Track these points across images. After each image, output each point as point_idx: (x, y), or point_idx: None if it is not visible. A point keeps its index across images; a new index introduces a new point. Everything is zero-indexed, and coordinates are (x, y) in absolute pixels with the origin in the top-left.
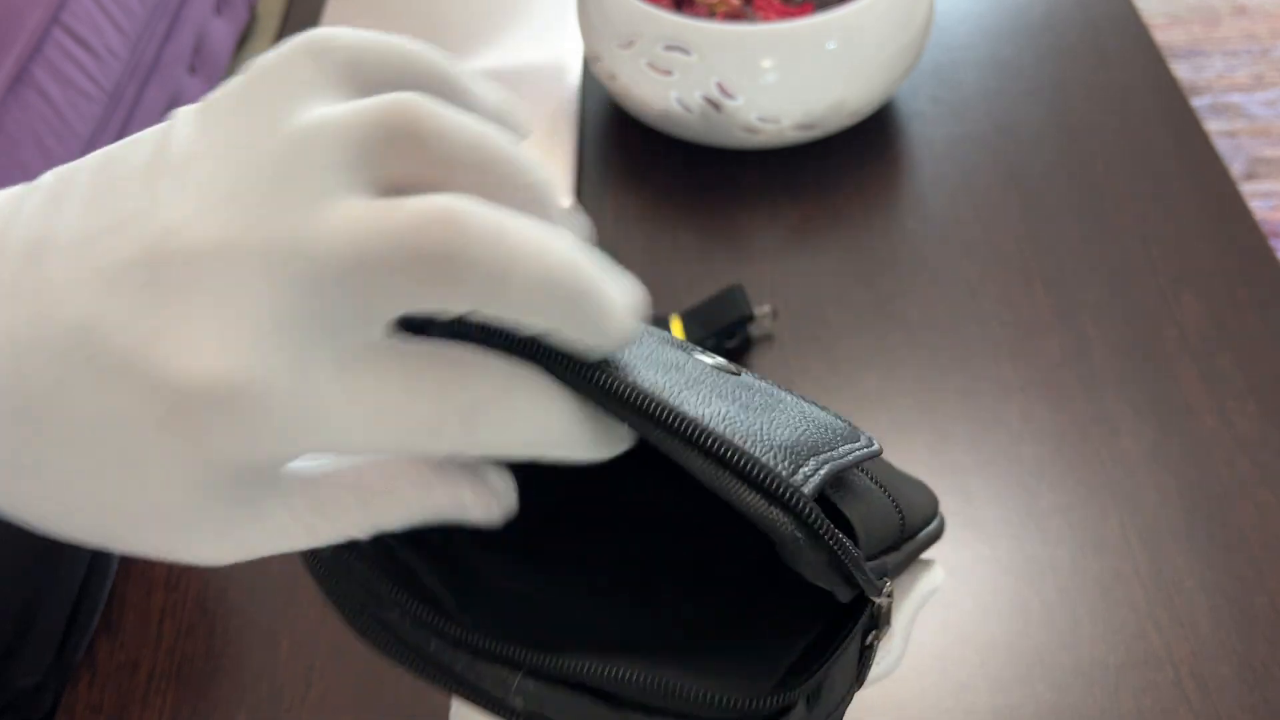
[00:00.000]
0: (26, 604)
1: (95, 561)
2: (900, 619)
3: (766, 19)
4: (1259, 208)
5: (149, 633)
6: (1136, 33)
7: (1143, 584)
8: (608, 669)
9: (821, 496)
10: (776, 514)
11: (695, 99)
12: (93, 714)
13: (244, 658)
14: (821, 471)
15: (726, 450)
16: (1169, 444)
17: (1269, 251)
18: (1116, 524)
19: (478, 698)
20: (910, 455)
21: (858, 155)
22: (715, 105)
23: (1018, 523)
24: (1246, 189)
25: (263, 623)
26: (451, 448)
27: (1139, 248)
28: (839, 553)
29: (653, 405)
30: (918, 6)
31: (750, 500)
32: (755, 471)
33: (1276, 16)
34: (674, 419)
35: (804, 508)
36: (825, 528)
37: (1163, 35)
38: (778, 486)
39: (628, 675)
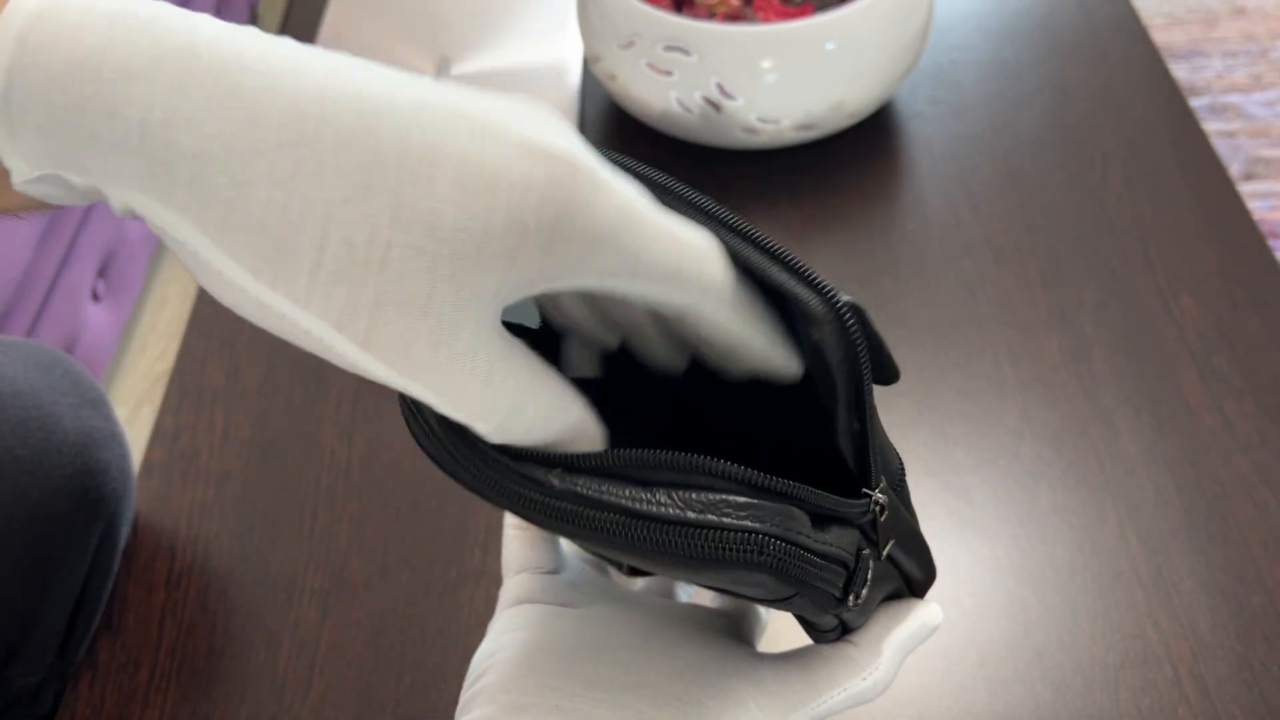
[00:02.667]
0: (28, 603)
1: (96, 561)
2: (889, 644)
3: (766, 19)
4: (1257, 208)
5: (150, 632)
6: (1135, 33)
7: (1141, 583)
8: (638, 452)
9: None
10: (816, 301)
11: (695, 99)
12: (93, 713)
13: (244, 658)
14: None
15: (789, 256)
16: (1168, 444)
17: (1267, 252)
18: (1115, 524)
19: (516, 484)
20: (910, 455)
21: (857, 156)
22: (715, 106)
23: (1017, 522)
24: (1245, 189)
25: (263, 623)
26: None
27: (1138, 248)
28: (856, 342)
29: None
30: (917, 7)
31: (801, 290)
32: (808, 272)
33: (1275, 17)
34: (752, 230)
35: (837, 301)
36: (854, 324)
37: (1161, 36)
38: (823, 286)
39: (658, 457)
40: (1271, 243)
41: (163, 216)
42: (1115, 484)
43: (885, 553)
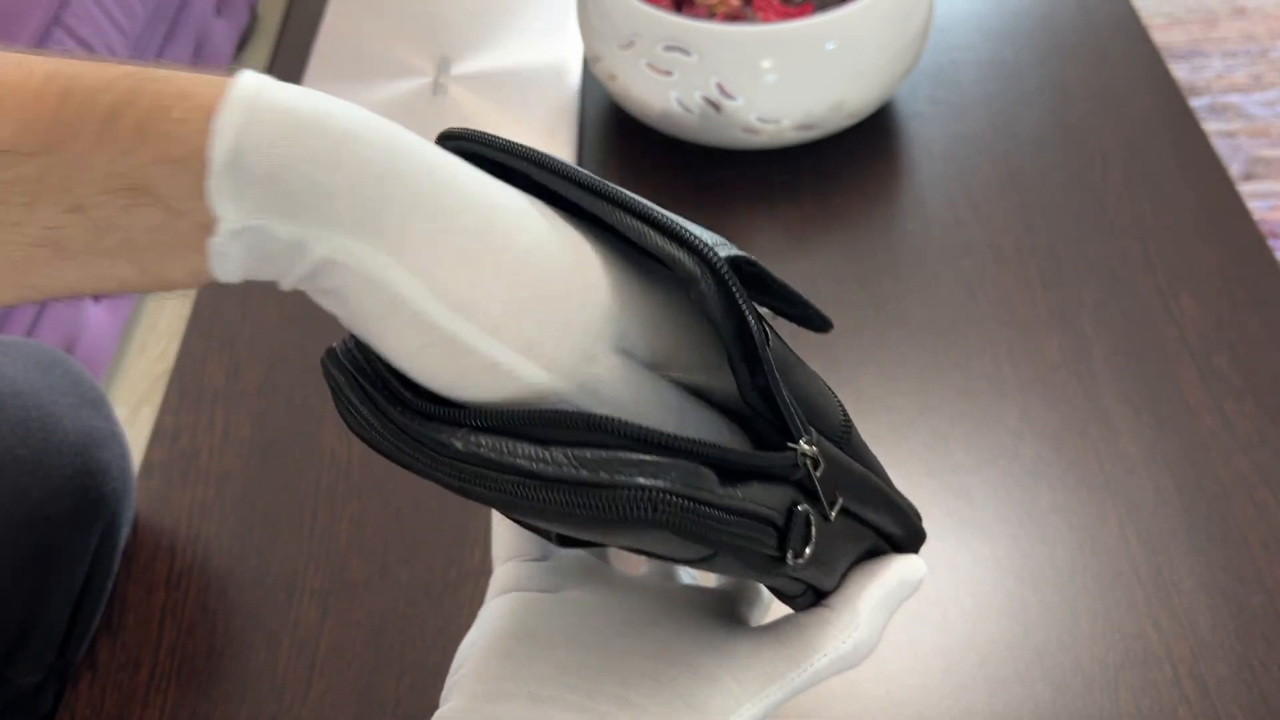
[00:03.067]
0: (28, 603)
1: (96, 561)
2: (865, 602)
3: (766, 19)
4: (1257, 208)
5: (150, 633)
6: (1135, 33)
7: (1141, 583)
8: (537, 411)
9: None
10: (685, 257)
11: (695, 99)
12: (93, 713)
13: (244, 658)
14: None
15: (666, 219)
16: (1168, 443)
17: (1267, 252)
18: (1115, 523)
19: (427, 448)
20: (909, 455)
21: (857, 156)
22: (715, 106)
23: (1017, 522)
24: (1245, 189)
25: (263, 623)
26: None
27: (1138, 248)
28: (734, 294)
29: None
30: (917, 7)
31: (673, 251)
32: (683, 232)
33: (1275, 17)
34: (618, 193)
35: (712, 256)
36: (730, 276)
37: (1161, 36)
38: (695, 244)
39: (558, 416)
40: (1271, 243)
41: (369, 261)
42: (1115, 484)
43: (836, 509)
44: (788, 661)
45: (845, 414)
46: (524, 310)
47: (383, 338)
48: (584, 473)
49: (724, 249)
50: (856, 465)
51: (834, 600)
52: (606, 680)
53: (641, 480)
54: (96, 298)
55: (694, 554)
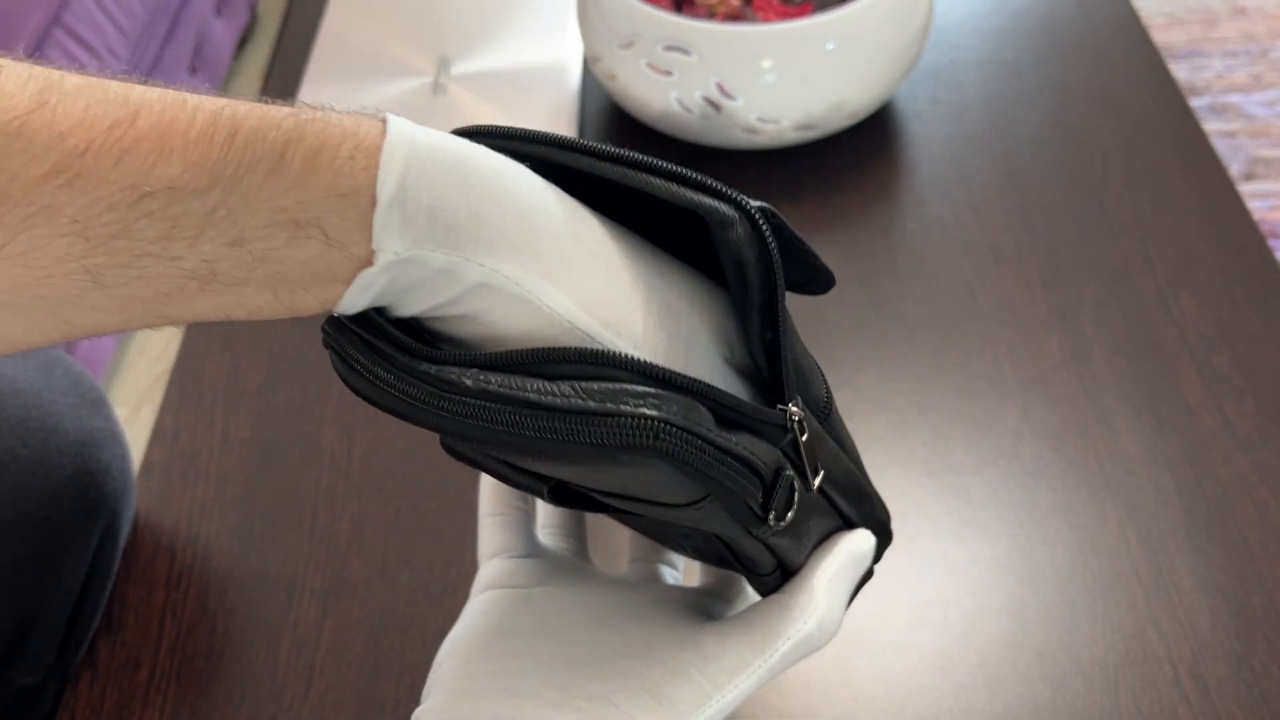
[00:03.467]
0: (27, 603)
1: (96, 561)
2: (819, 579)
3: (766, 19)
4: (1257, 208)
5: (149, 633)
6: (1135, 33)
7: (1141, 583)
8: (547, 349)
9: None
10: (725, 208)
11: (695, 99)
12: (93, 714)
13: (244, 658)
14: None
15: (694, 175)
16: (1168, 444)
17: (1267, 252)
18: (1115, 524)
19: (440, 391)
20: (909, 455)
21: (857, 156)
22: (715, 106)
23: (1017, 522)
24: (1245, 189)
25: (263, 623)
26: None
27: (1138, 248)
28: (768, 240)
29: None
30: (917, 7)
31: (708, 200)
32: (715, 185)
33: (1275, 17)
34: (653, 161)
35: (745, 202)
36: (764, 220)
37: (1161, 36)
38: (730, 193)
39: (564, 353)
40: (1271, 243)
41: (526, 283)
42: (1115, 484)
43: (818, 480)
44: (754, 650)
45: (829, 390)
46: (618, 298)
47: (506, 343)
48: (590, 403)
49: (754, 200)
50: (832, 443)
51: (790, 585)
52: (579, 675)
53: (645, 410)
54: None
55: (686, 495)
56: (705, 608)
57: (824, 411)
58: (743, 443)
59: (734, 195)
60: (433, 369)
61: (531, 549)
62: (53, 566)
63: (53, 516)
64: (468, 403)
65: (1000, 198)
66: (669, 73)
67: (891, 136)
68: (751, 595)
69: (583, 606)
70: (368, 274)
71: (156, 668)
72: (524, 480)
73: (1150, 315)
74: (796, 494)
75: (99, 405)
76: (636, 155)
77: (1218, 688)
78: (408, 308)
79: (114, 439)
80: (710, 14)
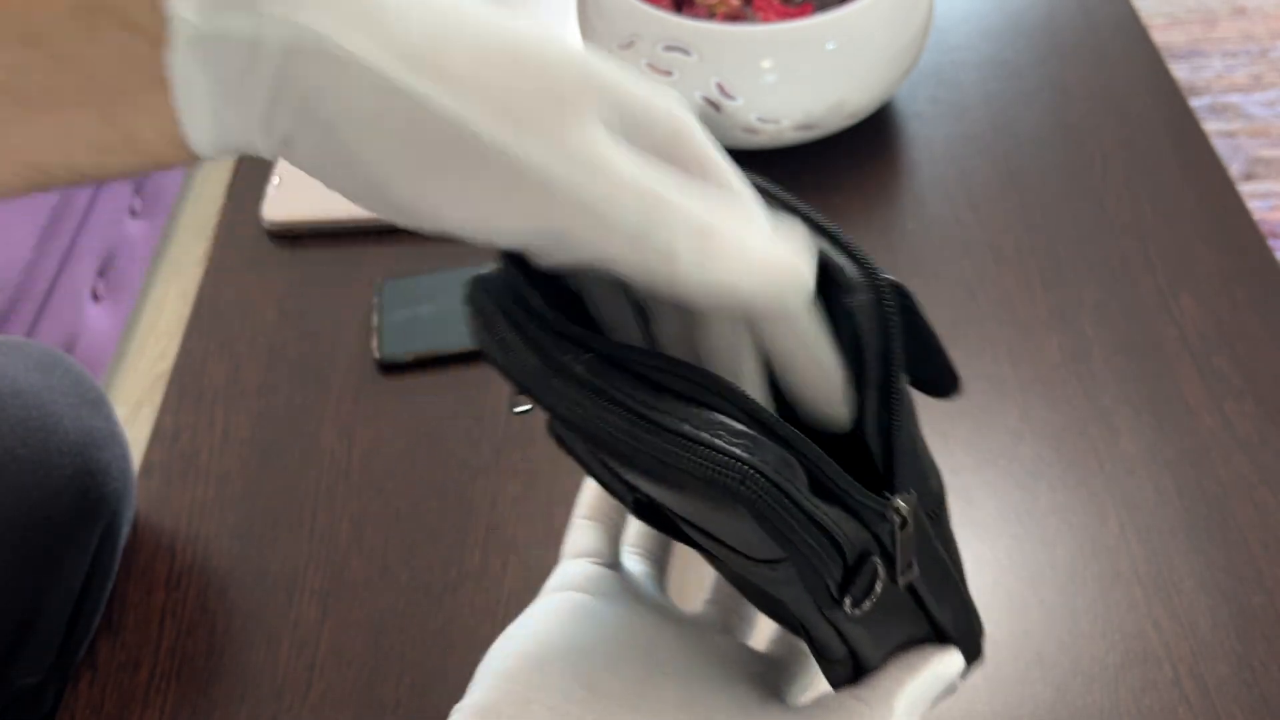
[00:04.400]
0: (28, 603)
1: (96, 561)
2: (901, 700)
3: (766, 19)
4: (1257, 208)
5: (150, 633)
6: (1135, 33)
7: (1141, 584)
8: (661, 355)
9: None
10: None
11: (695, 99)
12: (93, 714)
13: (244, 658)
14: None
15: (832, 227)
16: (1168, 444)
17: (1267, 252)
18: (1115, 524)
19: (549, 367)
20: None
21: (857, 156)
22: (715, 106)
23: (1017, 522)
24: (1245, 189)
25: (263, 623)
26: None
27: (1138, 248)
28: (889, 317)
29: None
30: (917, 7)
31: (839, 258)
32: (849, 243)
33: (1275, 17)
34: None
35: (876, 271)
36: (891, 295)
37: (1161, 36)
38: (862, 257)
39: (680, 365)
40: (1271, 243)
41: (315, 24)
42: (1115, 484)
43: (905, 579)
44: None
45: (943, 490)
46: (493, 68)
47: (360, 156)
48: (686, 427)
49: (882, 271)
50: (938, 544)
51: (867, 694)
52: (630, 717)
53: (738, 451)
54: (96, 296)
55: (765, 552)
56: (771, 679)
57: (935, 511)
58: (832, 515)
59: (867, 258)
60: (554, 343)
61: (614, 559)
62: (53, 566)
63: (53, 516)
64: (571, 392)
65: (1000, 198)
66: (669, 73)
67: (891, 136)
68: (817, 676)
69: (652, 641)
70: (177, 65)
71: (156, 668)
72: (616, 485)
73: (1150, 315)
74: (879, 584)
75: (99, 405)
76: (783, 192)
77: (1218, 687)
78: (260, 138)
79: (114, 439)
80: (710, 14)
